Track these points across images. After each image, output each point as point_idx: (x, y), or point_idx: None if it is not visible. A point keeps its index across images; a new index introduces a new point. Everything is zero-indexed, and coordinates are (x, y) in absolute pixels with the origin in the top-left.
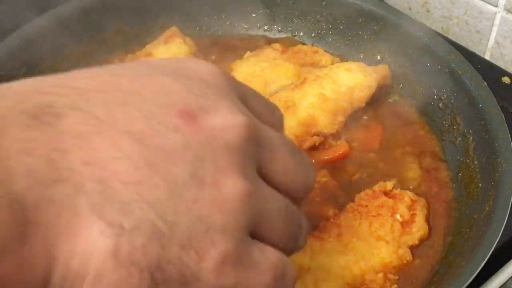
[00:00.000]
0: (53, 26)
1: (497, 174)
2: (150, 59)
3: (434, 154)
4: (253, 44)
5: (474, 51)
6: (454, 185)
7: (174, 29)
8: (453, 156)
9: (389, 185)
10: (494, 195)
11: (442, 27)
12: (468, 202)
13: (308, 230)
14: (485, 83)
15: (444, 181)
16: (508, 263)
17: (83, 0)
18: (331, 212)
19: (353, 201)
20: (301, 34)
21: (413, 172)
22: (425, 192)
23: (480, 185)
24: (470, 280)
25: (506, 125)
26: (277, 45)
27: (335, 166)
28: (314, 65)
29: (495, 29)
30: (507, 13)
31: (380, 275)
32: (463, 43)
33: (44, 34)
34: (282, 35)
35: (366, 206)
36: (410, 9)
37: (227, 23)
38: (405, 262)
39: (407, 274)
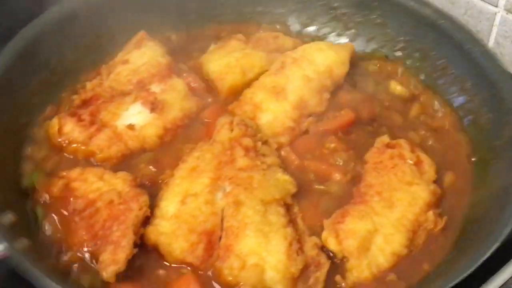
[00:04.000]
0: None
1: (506, 103)
2: (127, 66)
3: (430, 98)
4: (211, 36)
5: None
6: (461, 115)
7: (142, 33)
8: (451, 95)
9: (384, 138)
10: (509, 120)
11: None
12: (481, 131)
13: None
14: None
15: (449, 118)
16: (508, 263)
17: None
18: (336, 176)
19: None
20: (257, 18)
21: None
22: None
23: (490, 115)
24: None
25: (496, 58)
26: (240, 35)
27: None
28: (279, 49)
29: (495, 29)
30: (507, 13)
31: (430, 213)
32: None
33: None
34: (238, 23)
35: (381, 161)
36: None
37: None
38: (438, 195)
39: (445, 205)
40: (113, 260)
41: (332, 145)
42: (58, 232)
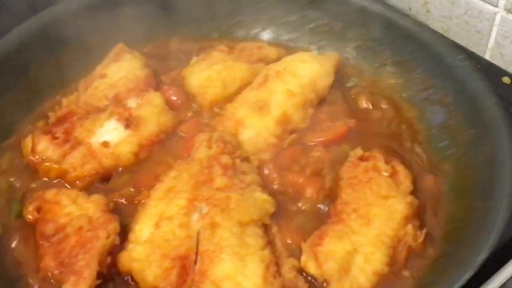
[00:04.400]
0: None
1: (486, 119)
2: (104, 80)
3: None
4: (194, 48)
5: (474, 51)
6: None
7: (120, 45)
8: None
9: (358, 151)
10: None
11: (442, 27)
12: (461, 147)
13: None
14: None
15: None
16: (508, 263)
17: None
18: (308, 192)
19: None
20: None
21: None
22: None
23: (471, 131)
24: None
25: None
26: (222, 47)
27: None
28: (263, 60)
29: (495, 29)
30: (507, 13)
31: (409, 226)
32: (463, 43)
33: None
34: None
35: (355, 176)
36: (410, 9)
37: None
38: (415, 207)
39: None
40: None
41: (318, 154)
42: (24, 257)
